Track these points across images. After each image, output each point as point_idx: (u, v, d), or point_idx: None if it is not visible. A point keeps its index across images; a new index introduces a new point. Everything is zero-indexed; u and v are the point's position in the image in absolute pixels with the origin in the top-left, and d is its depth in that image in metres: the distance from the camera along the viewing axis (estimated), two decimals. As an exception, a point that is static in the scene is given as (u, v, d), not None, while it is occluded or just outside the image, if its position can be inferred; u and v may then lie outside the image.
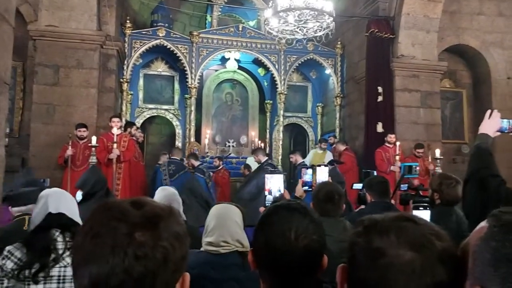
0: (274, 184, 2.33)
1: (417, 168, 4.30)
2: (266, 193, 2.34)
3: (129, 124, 7.68)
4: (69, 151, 6.24)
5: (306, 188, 2.73)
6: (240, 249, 1.89)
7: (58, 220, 1.98)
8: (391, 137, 7.47)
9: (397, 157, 6.97)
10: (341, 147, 8.26)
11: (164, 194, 2.68)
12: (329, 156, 8.47)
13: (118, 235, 0.71)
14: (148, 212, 0.75)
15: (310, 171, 2.77)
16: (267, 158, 7.41)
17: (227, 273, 1.79)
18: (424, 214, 2.22)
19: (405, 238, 0.73)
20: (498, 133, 2.12)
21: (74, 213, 2.04)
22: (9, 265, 1.88)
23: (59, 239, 1.96)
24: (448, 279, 0.72)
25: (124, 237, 0.71)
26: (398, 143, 7.11)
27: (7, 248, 1.93)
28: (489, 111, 2.12)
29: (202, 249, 1.92)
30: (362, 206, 3.54)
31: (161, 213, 0.76)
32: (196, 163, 7.38)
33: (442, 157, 7.20)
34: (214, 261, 1.83)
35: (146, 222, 0.73)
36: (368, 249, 0.75)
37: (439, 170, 6.70)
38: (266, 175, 2.36)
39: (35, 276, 1.86)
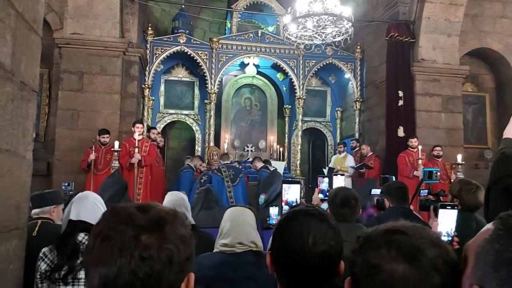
0: (292, 195, 2.31)
1: (438, 173, 4.22)
2: (283, 204, 2.32)
3: (149, 128, 7.89)
4: (92, 156, 6.41)
5: (322, 196, 2.72)
6: (254, 249, 1.92)
7: (79, 226, 2.07)
8: (412, 141, 7.37)
9: (420, 161, 6.87)
10: (369, 150, 8.16)
11: (172, 199, 2.67)
12: (350, 160, 8.39)
13: (125, 238, 0.74)
14: (153, 216, 0.79)
15: (326, 179, 2.77)
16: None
17: (243, 272, 1.82)
18: (450, 214, 2.19)
19: (396, 251, 0.74)
20: None
21: (96, 217, 2.08)
22: (43, 266, 2.02)
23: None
24: (443, 284, 0.73)
25: (131, 239, 0.74)
26: (420, 147, 7.00)
27: (43, 250, 2.07)
28: None
29: (216, 250, 1.96)
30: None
31: (166, 217, 0.80)
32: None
33: (463, 162, 7.08)
34: (229, 261, 1.87)
35: (152, 225, 0.77)
36: (365, 267, 0.77)
37: (460, 175, 6.59)
38: (284, 185, 2.33)
39: (65, 278, 1.98)
